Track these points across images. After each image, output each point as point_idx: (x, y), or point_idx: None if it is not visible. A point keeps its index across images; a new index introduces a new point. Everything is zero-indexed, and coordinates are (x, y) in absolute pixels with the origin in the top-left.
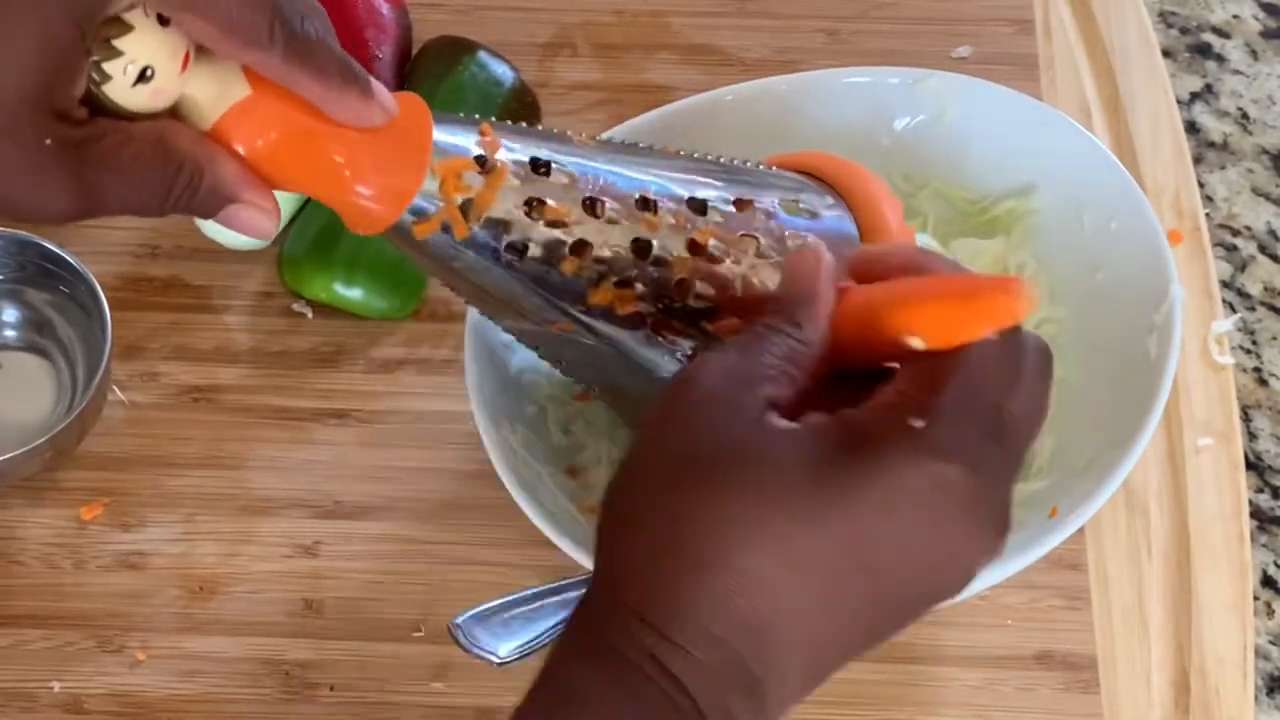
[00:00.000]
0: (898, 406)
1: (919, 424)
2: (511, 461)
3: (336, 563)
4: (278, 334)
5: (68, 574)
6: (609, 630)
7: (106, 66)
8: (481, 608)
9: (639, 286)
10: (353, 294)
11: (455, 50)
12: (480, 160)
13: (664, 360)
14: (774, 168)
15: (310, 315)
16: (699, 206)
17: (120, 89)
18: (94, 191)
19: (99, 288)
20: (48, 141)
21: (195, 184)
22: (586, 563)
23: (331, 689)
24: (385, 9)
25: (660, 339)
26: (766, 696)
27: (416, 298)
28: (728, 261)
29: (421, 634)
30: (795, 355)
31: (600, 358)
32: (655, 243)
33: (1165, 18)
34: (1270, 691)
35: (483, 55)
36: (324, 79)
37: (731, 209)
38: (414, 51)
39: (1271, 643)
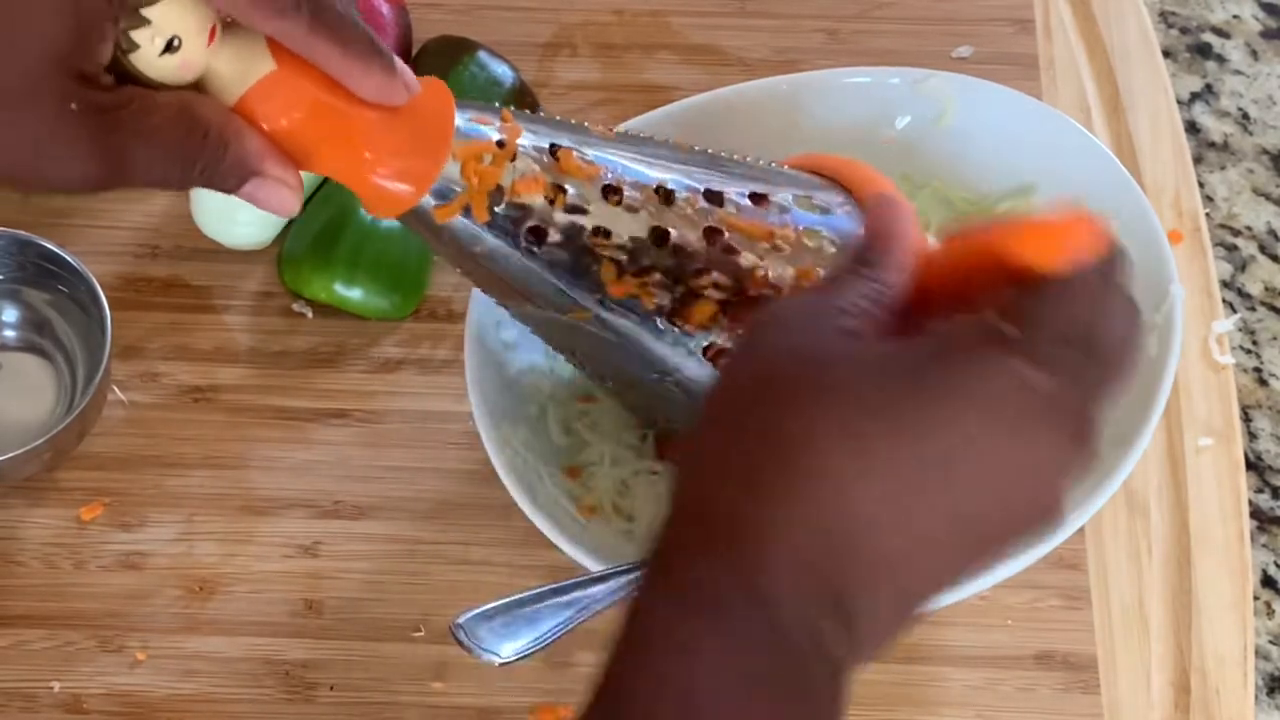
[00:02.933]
0: (988, 319)
1: (1011, 331)
2: (511, 461)
3: (336, 563)
4: (278, 334)
5: (68, 574)
6: (694, 565)
7: (134, 35)
8: (483, 608)
9: (656, 275)
10: (353, 294)
11: (455, 50)
12: (501, 145)
13: (677, 354)
14: (787, 167)
15: (310, 315)
16: (716, 198)
17: (147, 58)
18: (119, 159)
19: (99, 288)
20: (73, 106)
21: (220, 155)
22: (587, 562)
23: (331, 689)
24: (385, 9)
25: (675, 330)
26: (857, 622)
27: (416, 298)
28: (744, 253)
29: (421, 634)
30: (874, 295)
31: (614, 350)
32: (673, 231)
33: (1165, 18)
34: (1270, 691)
35: (483, 55)
36: (349, 51)
37: (747, 202)
38: (414, 51)
39: (1271, 643)
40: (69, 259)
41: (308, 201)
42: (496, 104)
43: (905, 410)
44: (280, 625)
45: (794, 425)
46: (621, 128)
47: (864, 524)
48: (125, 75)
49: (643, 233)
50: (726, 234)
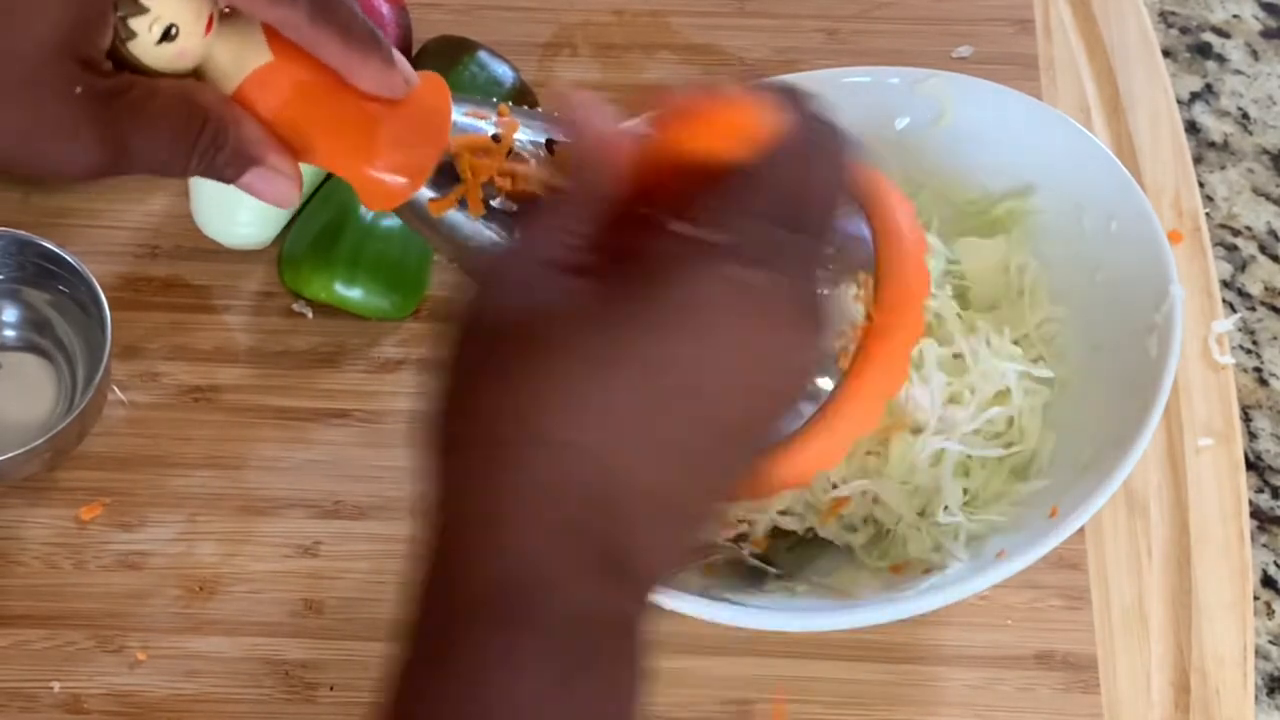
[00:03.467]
0: (687, 229)
1: (715, 237)
2: None
3: (336, 563)
4: (278, 334)
5: (68, 574)
6: (454, 570)
7: (132, 23)
8: None
9: None
10: (353, 294)
11: (455, 50)
12: (496, 139)
13: None
14: None
15: (310, 315)
16: None
17: (145, 46)
18: (120, 145)
19: (99, 288)
20: (77, 90)
21: (220, 142)
22: None
23: (331, 689)
24: (385, 9)
25: None
26: (632, 567)
27: (416, 298)
28: None
29: None
30: (574, 227)
31: None
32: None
33: (1165, 18)
34: (1270, 691)
35: (483, 55)
36: (348, 41)
37: None
38: (414, 51)
39: (1271, 643)
40: (69, 259)
41: (308, 201)
42: (494, 99)
43: (630, 348)
44: (280, 625)
45: (523, 393)
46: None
47: (612, 472)
48: (123, 63)
49: None
50: None
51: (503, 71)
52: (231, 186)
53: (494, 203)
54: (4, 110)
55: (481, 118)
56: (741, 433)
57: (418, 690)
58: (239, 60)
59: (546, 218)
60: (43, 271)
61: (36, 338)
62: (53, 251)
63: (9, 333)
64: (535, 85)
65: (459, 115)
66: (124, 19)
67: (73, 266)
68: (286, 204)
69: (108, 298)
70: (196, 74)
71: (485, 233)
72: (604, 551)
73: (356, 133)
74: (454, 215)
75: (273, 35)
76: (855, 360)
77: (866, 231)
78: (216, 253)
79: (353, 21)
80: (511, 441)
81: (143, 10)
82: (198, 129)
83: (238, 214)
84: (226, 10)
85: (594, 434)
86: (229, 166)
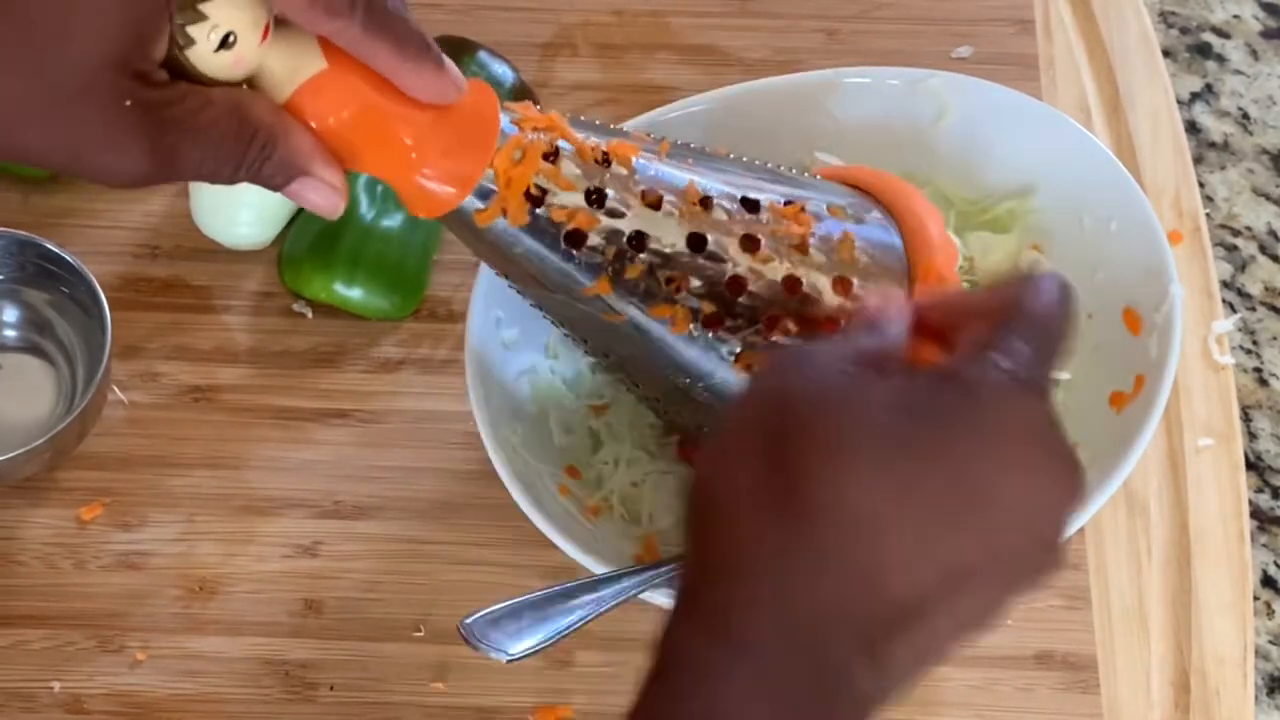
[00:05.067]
0: (977, 351)
1: (1005, 362)
2: (511, 461)
3: (336, 563)
4: (278, 334)
5: (68, 574)
6: (725, 598)
7: (190, 30)
8: (490, 610)
9: (692, 281)
10: (353, 294)
11: (455, 50)
12: (541, 148)
13: (708, 359)
14: (820, 177)
15: (310, 315)
16: (752, 205)
17: (202, 54)
18: (170, 154)
19: (99, 288)
20: (128, 102)
21: (269, 153)
22: (587, 563)
23: (331, 689)
24: None
25: (707, 336)
26: (889, 663)
27: (416, 298)
28: (777, 261)
29: (421, 634)
30: (880, 349)
31: (646, 353)
32: (710, 238)
33: (1165, 18)
34: (1270, 691)
35: (483, 55)
36: (401, 50)
37: (784, 209)
38: None
39: (1271, 643)
40: (69, 259)
41: None
42: (538, 105)
43: (932, 445)
44: (280, 625)
45: (823, 466)
46: (625, 125)
47: (899, 564)
48: (177, 70)
49: (680, 238)
50: (763, 242)
51: (503, 71)
52: (231, 187)
53: (538, 211)
54: (53, 123)
55: (528, 125)
56: (1011, 564)
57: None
58: (292, 69)
59: (847, 339)
60: (43, 271)
61: (36, 338)
62: (53, 251)
63: (9, 333)
64: (535, 85)
65: (505, 123)
66: (182, 26)
67: (73, 266)
68: (333, 214)
69: (108, 298)
70: (250, 82)
71: (528, 241)
72: (871, 636)
73: (406, 141)
74: (499, 224)
75: (326, 41)
76: None
77: (898, 240)
78: (216, 253)
79: (406, 31)
80: (806, 500)
81: (201, 18)
82: (247, 141)
83: (238, 214)
84: (281, 17)
85: (889, 517)
86: (276, 176)
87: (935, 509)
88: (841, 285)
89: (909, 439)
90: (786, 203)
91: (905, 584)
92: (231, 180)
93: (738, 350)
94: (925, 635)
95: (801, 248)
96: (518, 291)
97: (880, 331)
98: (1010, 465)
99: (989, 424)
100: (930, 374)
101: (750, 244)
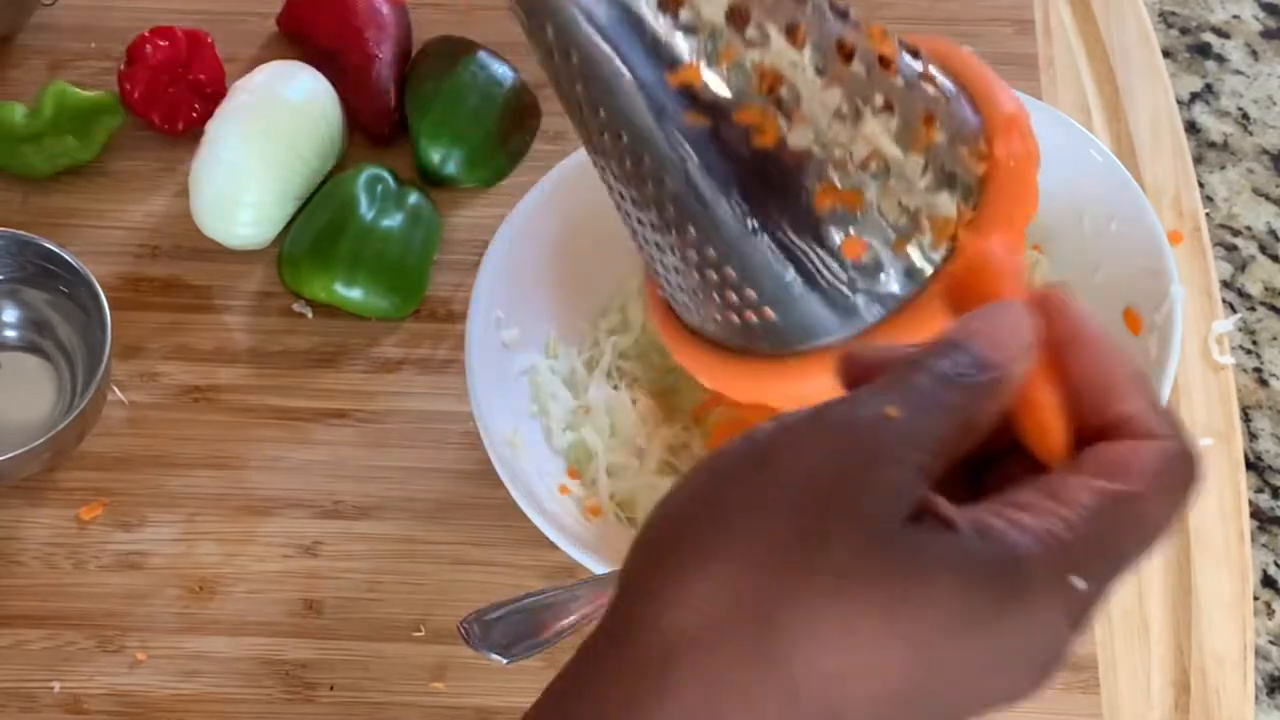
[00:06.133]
0: (1052, 550)
1: (1080, 585)
2: (511, 461)
3: (336, 563)
4: (278, 334)
5: (68, 574)
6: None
7: None
8: (489, 611)
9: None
10: (353, 294)
11: (455, 50)
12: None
13: (788, 274)
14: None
15: (310, 315)
16: (848, 17)
17: None
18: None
19: (99, 288)
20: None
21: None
22: (587, 563)
23: (331, 689)
24: (385, 9)
25: (792, 243)
26: None
27: (416, 298)
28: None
29: (421, 634)
30: (968, 424)
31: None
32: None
33: (1165, 18)
34: (1270, 691)
35: (483, 55)
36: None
37: (873, 57)
38: (414, 51)
39: (1271, 643)
40: (69, 259)
41: (307, 201)
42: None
43: (962, 636)
44: (280, 625)
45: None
46: None
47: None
48: None
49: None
50: (856, 57)
51: (503, 72)
52: (231, 186)
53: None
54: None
55: None
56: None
57: None
58: None
59: (936, 400)
60: (43, 271)
61: (36, 338)
62: (53, 251)
63: (9, 333)
64: (535, 85)
65: None
66: None
67: (73, 266)
68: None
69: (108, 298)
70: None
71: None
72: None
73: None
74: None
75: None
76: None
77: (973, 114)
78: (216, 253)
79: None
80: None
81: None
82: None
83: (238, 214)
84: None
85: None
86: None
87: (915, 690)
88: (927, 121)
89: (944, 621)
90: (881, 58)
91: None
92: None
93: (825, 271)
94: None
95: (889, 63)
96: (579, 125)
97: (979, 392)
98: (1006, 670)
99: (1016, 647)
100: (986, 545)
101: (843, 49)
